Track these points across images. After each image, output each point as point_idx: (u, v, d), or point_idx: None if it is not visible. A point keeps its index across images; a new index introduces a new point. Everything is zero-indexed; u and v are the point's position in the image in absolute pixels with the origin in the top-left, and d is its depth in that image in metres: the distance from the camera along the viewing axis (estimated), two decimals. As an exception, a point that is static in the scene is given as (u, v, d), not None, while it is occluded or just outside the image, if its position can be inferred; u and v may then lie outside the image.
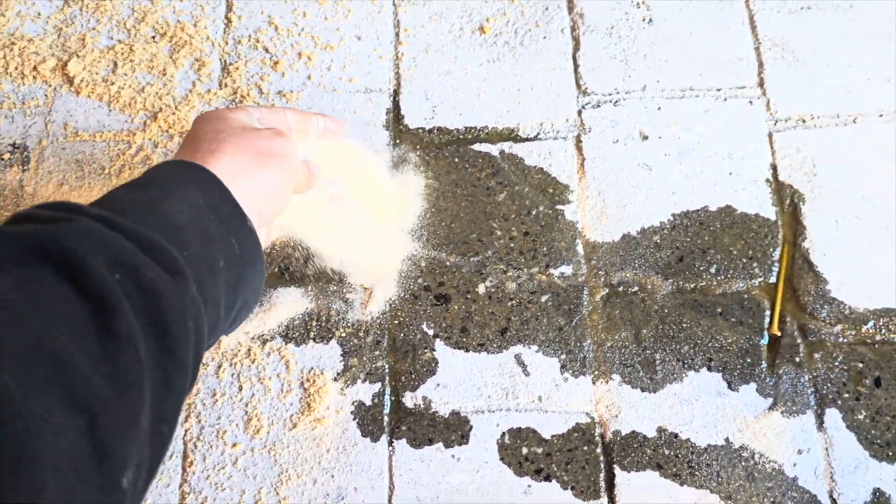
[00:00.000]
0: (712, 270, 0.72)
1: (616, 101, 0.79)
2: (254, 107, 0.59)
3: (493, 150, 0.78)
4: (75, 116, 0.82)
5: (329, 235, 0.69)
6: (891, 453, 0.66)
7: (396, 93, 0.81)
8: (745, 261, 0.73)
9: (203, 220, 0.43)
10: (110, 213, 0.38)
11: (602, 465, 0.68)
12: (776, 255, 0.73)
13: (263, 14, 0.85)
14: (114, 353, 0.32)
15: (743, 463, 0.67)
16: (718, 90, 0.78)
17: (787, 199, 0.75)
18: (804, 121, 0.77)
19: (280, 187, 0.53)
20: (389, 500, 0.68)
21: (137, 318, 0.34)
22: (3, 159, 0.80)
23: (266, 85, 0.81)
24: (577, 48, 0.82)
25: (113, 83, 0.83)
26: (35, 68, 0.84)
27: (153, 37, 0.85)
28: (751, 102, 0.78)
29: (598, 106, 0.79)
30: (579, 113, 0.79)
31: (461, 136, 0.79)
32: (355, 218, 0.70)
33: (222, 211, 0.45)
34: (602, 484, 0.67)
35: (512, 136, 0.79)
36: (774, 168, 0.76)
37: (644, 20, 0.82)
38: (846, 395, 0.68)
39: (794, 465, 0.67)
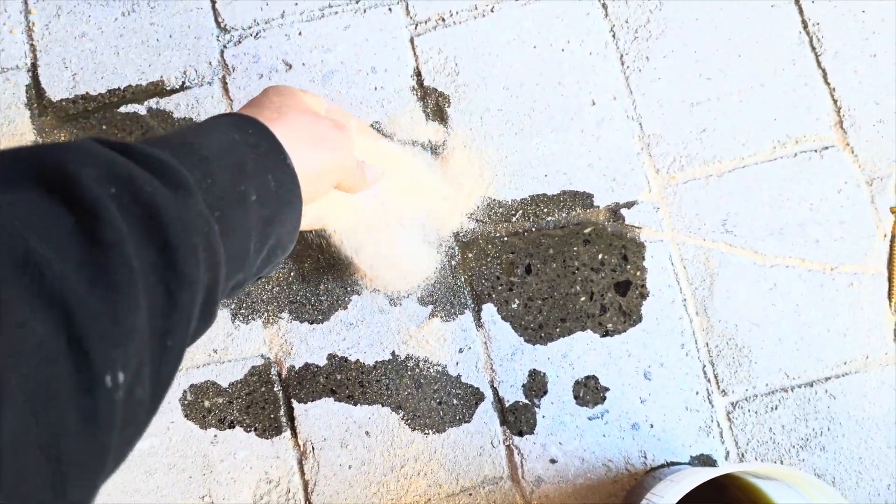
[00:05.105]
0: (367, 191, 0.73)
1: (257, 34, 0.76)
2: (325, 99, 0.60)
3: (141, 109, 0.76)
4: None
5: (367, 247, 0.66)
6: (543, 335, 0.70)
7: (35, 67, 0.77)
8: (395, 176, 0.73)
9: (237, 153, 0.43)
10: (123, 143, 0.36)
11: (281, 402, 0.70)
12: (427, 163, 0.73)
13: None
14: (100, 259, 0.29)
15: (409, 372, 0.70)
16: (357, 2, 0.76)
17: (433, 103, 0.74)
18: (444, 19, 0.75)
19: (323, 173, 0.52)
20: (87, 477, 0.69)
21: (132, 229, 0.32)
22: None
23: None
24: (214, -18, 0.78)
25: None
26: None
27: None
28: (390, 10, 0.76)
29: (240, 42, 0.76)
30: (222, 53, 0.76)
31: (106, 101, 0.76)
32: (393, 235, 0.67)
33: (260, 148, 0.45)
34: (283, 419, 0.70)
35: (158, 90, 0.76)
36: (419, 74, 0.75)
37: (278, -61, 0.78)
38: (500, 288, 0.71)
39: (457, 363, 0.70)
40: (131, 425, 0.30)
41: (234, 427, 0.70)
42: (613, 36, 0.75)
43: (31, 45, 0.77)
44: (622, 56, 0.74)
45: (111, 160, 0.34)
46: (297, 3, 0.77)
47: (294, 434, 0.69)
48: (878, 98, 0.72)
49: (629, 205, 0.72)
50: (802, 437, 0.67)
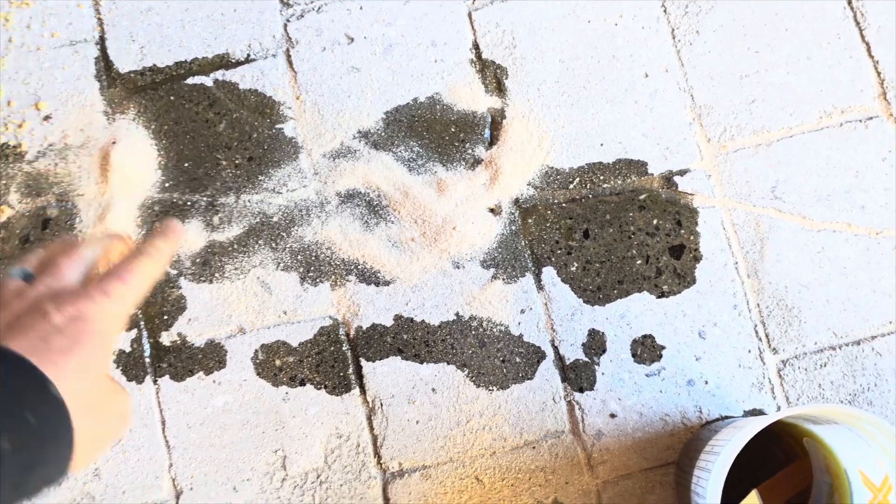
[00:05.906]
0: (434, 162, 0.75)
1: (319, 8, 0.79)
2: (97, 247, 0.44)
3: (207, 81, 0.78)
4: None
5: None
6: (601, 296, 0.73)
7: (103, 40, 0.79)
8: (456, 144, 0.76)
9: None
10: None
11: (350, 361, 0.73)
12: (487, 133, 0.76)
13: (-49, -20, 0.81)
14: None
15: (473, 332, 0.73)
16: (417, -22, 0.79)
17: (491, 75, 0.77)
18: (501, -6, 0.78)
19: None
20: (163, 433, 0.72)
21: None
22: None
23: (-32, 56, 0.79)
24: (276, -41, 0.80)
25: None
26: None
27: None
28: (449, -15, 0.78)
29: (303, 16, 0.79)
30: (285, 27, 0.79)
31: (174, 73, 0.78)
32: None
33: (11, 384, 0.37)
34: (352, 377, 0.73)
35: (223, 63, 0.78)
36: (477, 47, 0.78)
37: (338, -84, 0.80)
38: (559, 252, 0.74)
39: (519, 324, 0.73)
40: None
41: (304, 385, 0.73)
42: (665, 11, 0.78)
43: (99, 18, 0.80)
44: (673, 30, 0.77)
45: None
46: (358, -21, 0.79)
47: (363, 391, 0.72)
48: (919, 70, 0.75)
49: (682, 172, 0.75)
50: (850, 393, 0.71)
